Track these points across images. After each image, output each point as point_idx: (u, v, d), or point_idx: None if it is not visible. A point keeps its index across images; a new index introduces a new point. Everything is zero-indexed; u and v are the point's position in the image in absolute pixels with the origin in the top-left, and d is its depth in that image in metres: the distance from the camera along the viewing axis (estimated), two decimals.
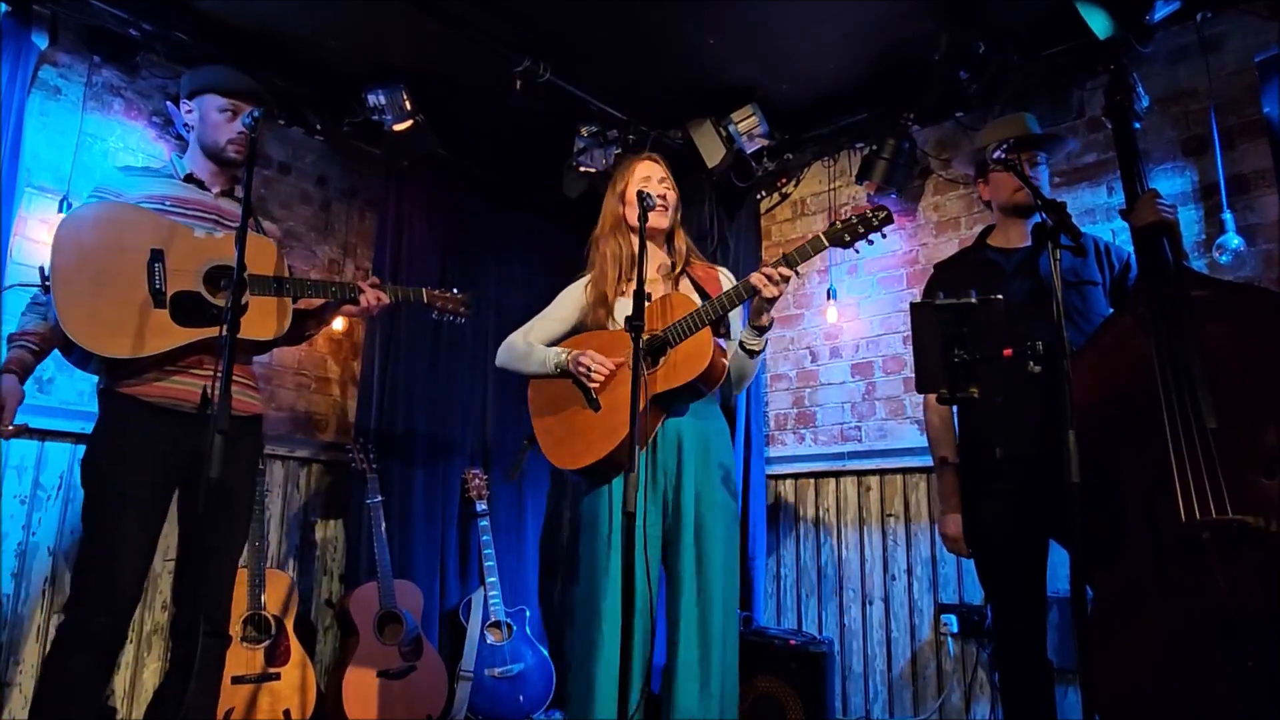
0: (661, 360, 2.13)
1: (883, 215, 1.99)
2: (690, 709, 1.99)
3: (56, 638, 1.99)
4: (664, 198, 2.30)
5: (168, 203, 2.19)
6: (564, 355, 2.24)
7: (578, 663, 2.09)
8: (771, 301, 2.05)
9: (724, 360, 2.15)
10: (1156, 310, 1.89)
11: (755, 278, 2.02)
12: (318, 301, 2.39)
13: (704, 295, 2.26)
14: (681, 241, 2.37)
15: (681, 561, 2.10)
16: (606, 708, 1.98)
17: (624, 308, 2.25)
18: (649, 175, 2.35)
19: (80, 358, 2.09)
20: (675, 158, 3.87)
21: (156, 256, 2.09)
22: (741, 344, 2.19)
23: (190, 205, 2.22)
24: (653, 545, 2.10)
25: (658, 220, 2.26)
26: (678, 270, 2.33)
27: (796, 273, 2.02)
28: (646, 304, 2.13)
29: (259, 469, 3.16)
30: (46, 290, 2.05)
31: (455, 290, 2.51)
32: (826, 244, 2.00)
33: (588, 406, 2.19)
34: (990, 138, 2.40)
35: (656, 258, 2.36)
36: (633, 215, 2.28)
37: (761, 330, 2.14)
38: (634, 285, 2.26)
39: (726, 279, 2.35)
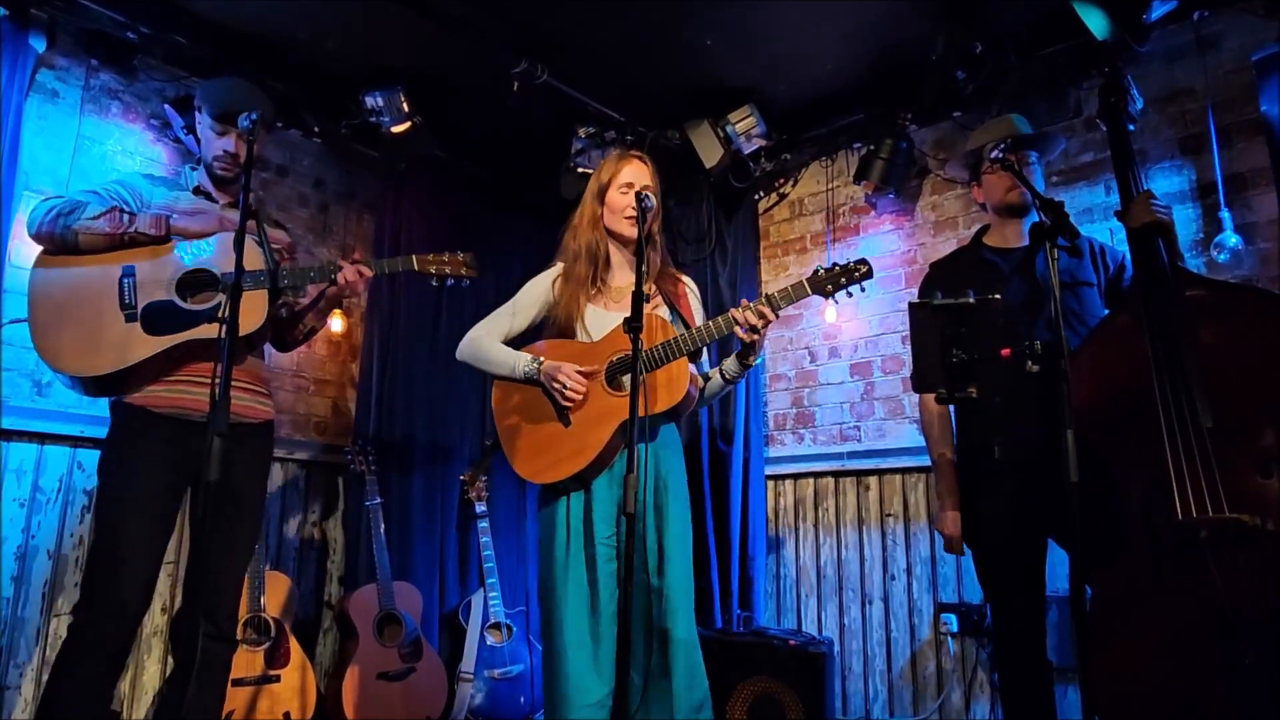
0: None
1: (864, 270, 2.08)
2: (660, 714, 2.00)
3: (65, 641, 2.00)
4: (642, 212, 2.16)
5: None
6: (534, 365, 2.16)
7: (546, 674, 2.08)
8: (758, 341, 2.08)
9: (694, 389, 2.17)
10: (1153, 310, 1.89)
11: (737, 321, 2.03)
12: (306, 300, 2.40)
13: (673, 309, 2.24)
14: (655, 253, 2.27)
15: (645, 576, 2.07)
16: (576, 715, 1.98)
17: (594, 315, 2.21)
18: (631, 182, 2.22)
19: (69, 381, 2.12)
20: (673, 158, 3.88)
21: (127, 272, 2.13)
22: (723, 371, 2.21)
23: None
24: (608, 559, 2.09)
25: (626, 229, 2.21)
26: (649, 281, 2.25)
27: (777, 315, 2.07)
28: (620, 322, 2.10)
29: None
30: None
31: (457, 252, 2.33)
32: (809, 291, 2.07)
33: (557, 420, 2.15)
34: (980, 140, 2.40)
35: (623, 261, 2.29)
36: (611, 219, 2.24)
37: (748, 366, 2.17)
38: (605, 292, 2.25)
39: (692, 293, 2.33)
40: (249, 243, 2.24)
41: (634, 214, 2.12)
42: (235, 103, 2.24)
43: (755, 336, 2.05)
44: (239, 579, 2.26)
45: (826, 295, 2.08)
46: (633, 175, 2.23)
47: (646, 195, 2.08)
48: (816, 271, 2.10)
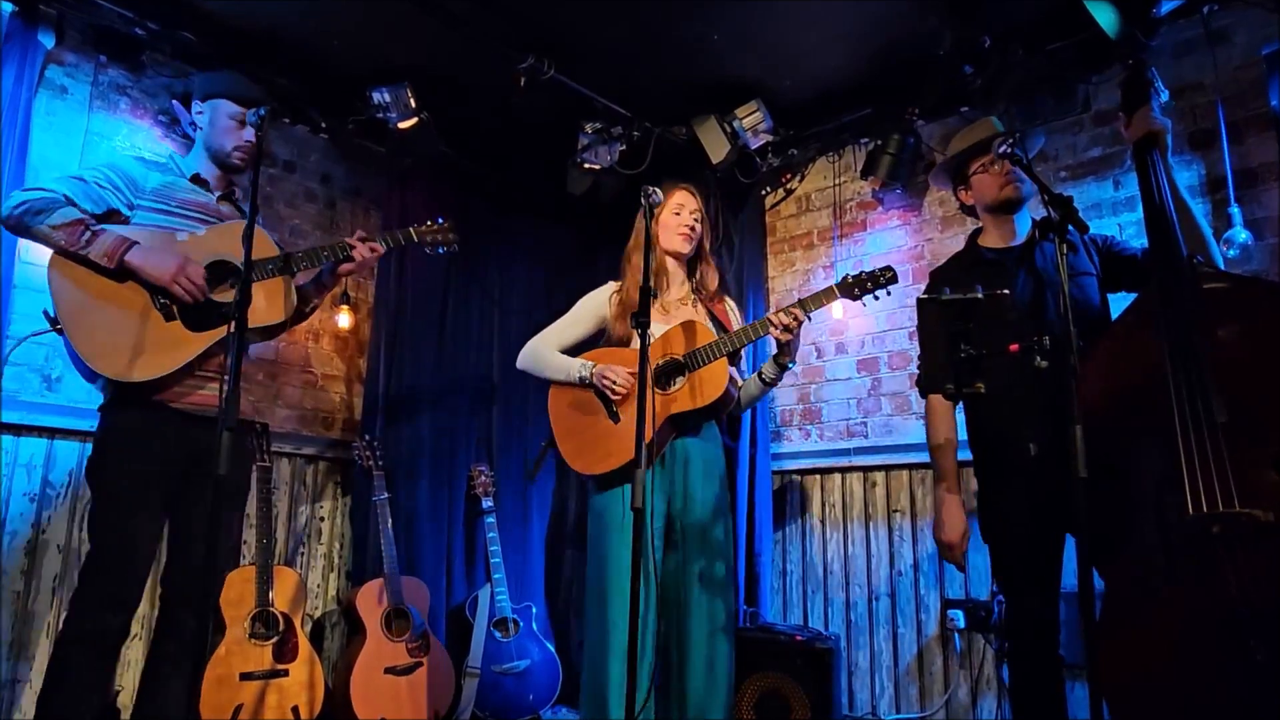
0: (681, 382, 2.32)
1: (889, 275, 2.27)
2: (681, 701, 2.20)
3: (63, 635, 2.02)
4: (692, 229, 2.47)
5: (174, 203, 2.24)
6: (588, 368, 2.37)
7: (592, 648, 2.22)
8: (793, 341, 2.28)
9: (734, 389, 2.37)
10: (1168, 304, 1.88)
11: (772, 323, 2.24)
12: (311, 272, 2.43)
13: (716, 323, 2.44)
14: (710, 278, 2.51)
15: (686, 567, 2.28)
16: (619, 695, 2.11)
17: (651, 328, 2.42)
18: (682, 204, 2.48)
19: (93, 377, 2.09)
20: (679, 154, 3.88)
21: None
22: (761, 374, 2.40)
23: (194, 207, 2.28)
24: (657, 542, 2.28)
25: (679, 245, 2.46)
26: (698, 296, 2.50)
27: (809, 317, 2.27)
28: (670, 328, 2.37)
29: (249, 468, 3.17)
30: (59, 332, 2.05)
31: (440, 220, 2.60)
32: (838, 295, 2.28)
33: (608, 417, 2.36)
34: (961, 145, 2.37)
35: (678, 279, 2.52)
36: (665, 237, 2.47)
37: (784, 367, 2.36)
38: (658, 304, 2.45)
39: (731, 310, 2.55)
40: (260, 232, 2.26)
41: (685, 231, 2.44)
42: (252, 93, 2.28)
43: (789, 337, 2.25)
44: (225, 569, 2.36)
45: (854, 298, 2.28)
46: (682, 200, 2.49)
47: (654, 192, 2.19)
48: (845, 277, 2.29)
